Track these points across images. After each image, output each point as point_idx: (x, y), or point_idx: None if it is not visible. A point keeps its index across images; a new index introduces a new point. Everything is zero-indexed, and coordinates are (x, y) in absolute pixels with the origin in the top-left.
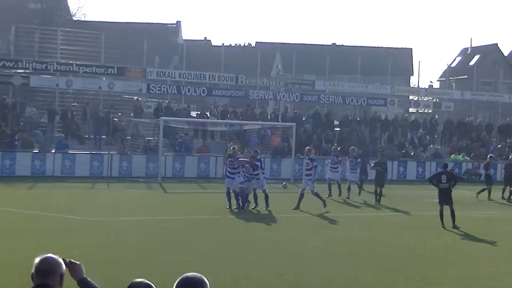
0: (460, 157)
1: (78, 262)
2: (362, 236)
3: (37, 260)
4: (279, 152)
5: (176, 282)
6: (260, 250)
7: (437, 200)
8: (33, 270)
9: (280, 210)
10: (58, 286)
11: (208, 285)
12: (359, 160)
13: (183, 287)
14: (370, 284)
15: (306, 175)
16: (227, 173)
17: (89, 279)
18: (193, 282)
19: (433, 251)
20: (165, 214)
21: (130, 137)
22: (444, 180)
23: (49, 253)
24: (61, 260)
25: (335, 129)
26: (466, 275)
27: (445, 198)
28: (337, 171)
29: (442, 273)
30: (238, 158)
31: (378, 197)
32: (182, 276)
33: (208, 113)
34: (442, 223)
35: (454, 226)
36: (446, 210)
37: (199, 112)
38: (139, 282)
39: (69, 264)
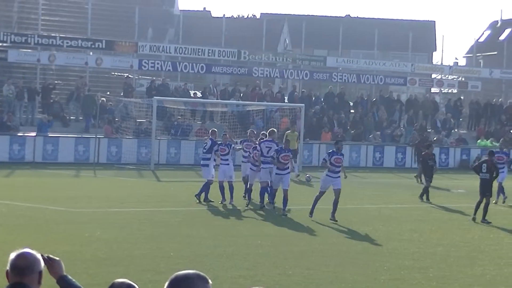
0: (488, 142)
1: (57, 258)
2: (378, 231)
3: (12, 255)
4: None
5: (168, 280)
6: (264, 247)
7: (464, 191)
8: (8, 267)
9: (291, 202)
10: (36, 285)
11: (210, 282)
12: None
13: (174, 286)
14: (384, 284)
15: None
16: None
17: (69, 277)
18: (186, 280)
19: (457, 248)
20: (159, 205)
21: (119, 119)
22: (484, 169)
23: (26, 248)
24: (39, 256)
25: (350, 111)
26: (493, 275)
27: (485, 189)
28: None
29: (466, 272)
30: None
31: (427, 194)
32: (175, 274)
33: (207, 92)
34: (474, 215)
35: (484, 221)
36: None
37: (196, 92)
38: (121, 283)
39: (47, 260)
